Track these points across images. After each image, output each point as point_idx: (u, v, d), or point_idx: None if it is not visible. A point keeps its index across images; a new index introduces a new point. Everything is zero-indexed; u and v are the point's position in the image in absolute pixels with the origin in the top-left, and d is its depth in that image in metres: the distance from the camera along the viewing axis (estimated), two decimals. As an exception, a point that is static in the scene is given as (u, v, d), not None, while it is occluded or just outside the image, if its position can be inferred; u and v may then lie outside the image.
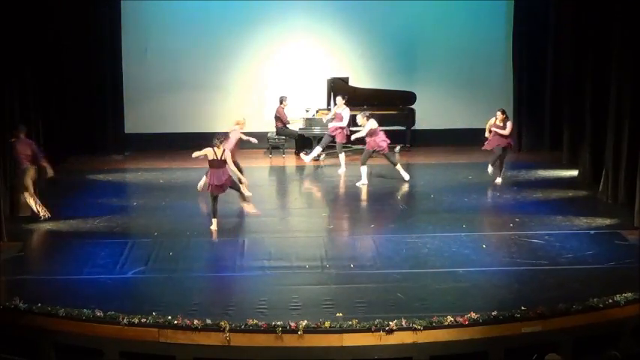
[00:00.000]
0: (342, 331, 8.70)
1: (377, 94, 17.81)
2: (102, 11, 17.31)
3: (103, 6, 17.36)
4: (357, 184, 14.81)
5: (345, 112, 16.11)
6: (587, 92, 14.89)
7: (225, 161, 12.30)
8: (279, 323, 8.69)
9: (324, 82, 17.81)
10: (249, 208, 13.19)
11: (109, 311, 8.92)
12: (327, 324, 8.72)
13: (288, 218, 13.45)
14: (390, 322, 8.69)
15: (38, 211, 12.42)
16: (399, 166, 15.06)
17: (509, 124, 14.63)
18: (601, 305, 9.13)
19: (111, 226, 12.56)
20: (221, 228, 12.37)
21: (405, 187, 14.85)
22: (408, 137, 17.90)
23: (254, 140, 14.55)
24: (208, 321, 8.74)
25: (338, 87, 17.63)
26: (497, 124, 14.60)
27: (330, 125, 16.26)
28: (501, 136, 14.55)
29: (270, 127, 17.59)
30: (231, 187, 12.61)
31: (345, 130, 15.92)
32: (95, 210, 13.31)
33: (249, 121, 18.08)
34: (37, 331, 8.93)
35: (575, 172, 15.53)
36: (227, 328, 8.66)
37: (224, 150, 12.35)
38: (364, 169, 14.77)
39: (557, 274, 10.38)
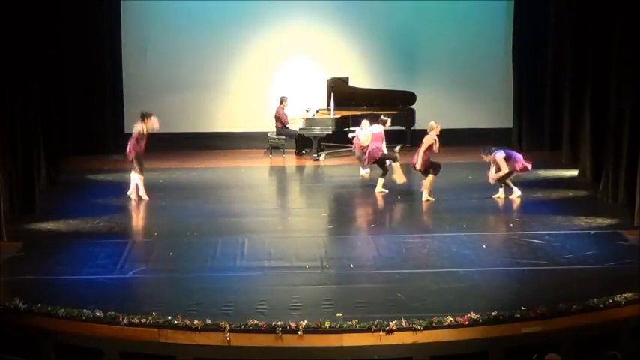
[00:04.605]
0: (342, 331, 8.68)
1: (377, 94, 17.81)
2: (102, 11, 17.32)
3: (103, 6, 17.36)
4: None
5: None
6: (587, 92, 14.90)
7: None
8: (279, 323, 8.68)
9: (324, 82, 17.81)
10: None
11: (109, 311, 8.90)
12: (327, 324, 8.71)
13: (288, 218, 13.45)
14: (390, 322, 8.69)
15: None
16: None
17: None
18: (601, 305, 9.11)
19: (111, 226, 12.55)
20: (222, 228, 12.42)
21: (405, 187, 14.83)
22: (408, 137, 17.89)
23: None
24: (208, 321, 8.73)
25: (338, 87, 17.64)
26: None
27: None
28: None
29: (270, 127, 17.60)
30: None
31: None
32: (95, 210, 13.30)
33: (249, 122, 18.22)
34: (37, 331, 8.92)
35: (575, 172, 15.53)
36: (227, 328, 8.65)
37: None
38: None
39: (557, 274, 10.36)
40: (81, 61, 17.10)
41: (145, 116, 13.70)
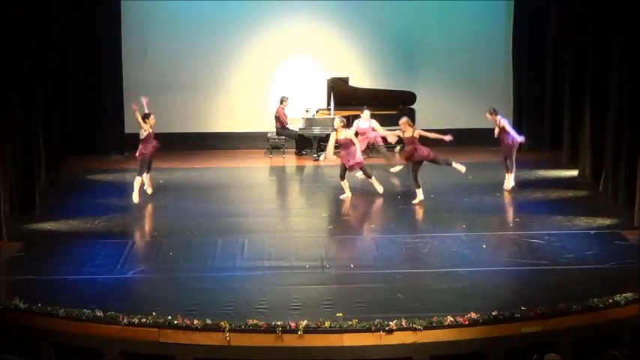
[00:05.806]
0: (342, 331, 8.70)
1: (377, 94, 17.79)
2: (102, 11, 17.31)
3: (103, 6, 17.36)
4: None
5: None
6: (587, 92, 14.90)
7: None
8: (279, 323, 8.70)
9: (324, 82, 17.81)
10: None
11: (109, 311, 8.92)
12: (327, 324, 8.72)
13: (288, 218, 13.45)
14: (390, 322, 8.70)
15: None
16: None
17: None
18: (601, 305, 9.13)
19: (111, 226, 12.56)
20: (222, 228, 12.41)
21: (405, 187, 14.84)
22: (408, 137, 17.87)
23: None
24: (208, 321, 8.75)
25: (338, 87, 17.64)
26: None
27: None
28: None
29: (270, 127, 17.60)
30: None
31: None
32: (95, 210, 13.31)
33: (249, 122, 18.22)
34: (37, 331, 8.94)
35: (575, 172, 15.53)
36: (227, 328, 8.66)
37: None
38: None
39: (557, 274, 10.38)
40: (81, 61, 17.09)
41: (145, 117, 13.78)
